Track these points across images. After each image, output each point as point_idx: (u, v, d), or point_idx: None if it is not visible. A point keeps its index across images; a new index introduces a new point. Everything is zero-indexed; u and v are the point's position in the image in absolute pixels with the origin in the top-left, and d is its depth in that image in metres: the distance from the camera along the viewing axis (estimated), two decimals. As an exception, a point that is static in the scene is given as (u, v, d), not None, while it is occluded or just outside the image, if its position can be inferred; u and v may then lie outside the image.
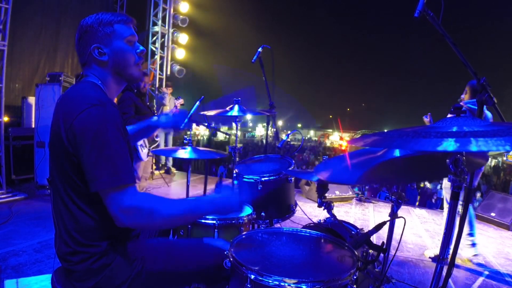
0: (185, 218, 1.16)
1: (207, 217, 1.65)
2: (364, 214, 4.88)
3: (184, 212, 1.13)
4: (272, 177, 2.16)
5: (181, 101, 5.09)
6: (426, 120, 3.49)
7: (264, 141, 2.86)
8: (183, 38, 7.60)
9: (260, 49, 2.81)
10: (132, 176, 1.07)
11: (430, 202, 10.63)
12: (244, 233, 1.46)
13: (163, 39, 7.46)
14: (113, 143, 1.04)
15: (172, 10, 7.48)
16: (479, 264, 3.24)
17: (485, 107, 1.50)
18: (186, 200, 1.17)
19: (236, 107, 2.42)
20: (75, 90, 1.16)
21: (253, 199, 1.36)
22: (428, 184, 11.82)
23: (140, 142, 3.88)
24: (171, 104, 6.27)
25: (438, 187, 11.29)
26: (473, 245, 3.24)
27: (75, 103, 1.08)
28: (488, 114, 3.03)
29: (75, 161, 1.07)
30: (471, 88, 3.08)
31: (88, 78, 1.20)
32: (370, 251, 1.42)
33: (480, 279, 2.92)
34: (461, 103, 2.97)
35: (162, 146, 6.32)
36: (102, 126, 1.03)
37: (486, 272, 3.07)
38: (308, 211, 4.66)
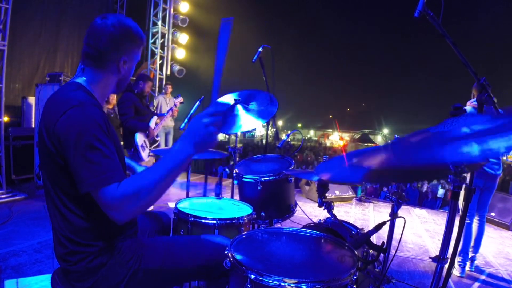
0: (171, 176, 1.05)
1: (207, 217, 1.65)
2: (364, 214, 4.88)
3: (168, 170, 1.04)
4: (272, 177, 2.16)
5: (180, 99, 5.10)
6: None
7: (264, 141, 2.85)
8: (183, 38, 7.60)
9: (260, 49, 2.81)
10: (120, 172, 1.04)
11: (426, 201, 10.62)
12: (244, 233, 1.46)
13: (163, 39, 7.46)
14: (95, 143, 1.02)
15: (172, 10, 7.48)
16: (479, 264, 3.24)
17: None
18: (163, 160, 1.07)
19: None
20: (58, 93, 1.16)
21: (220, 110, 1.15)
22: (427, 184, 11.79)
23: (141, 143, 3.88)
24: (170, 103, 6.27)
25: (439, 186, 11.26)
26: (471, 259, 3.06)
27: (56, 106, 1.08)
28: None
29: (62, 164, 1.06)
30: (476, 89, 3.00)
31: (75, 79, 1.19)
32: (370, 251, 1.42)
33: (480, 279, 2.92)
34: (468, 105, 2.93)
35: (162, 146, 6.32)
36: (83, 126, 1.02)
37: (486, 272, 3.07)
38: (308, 211, 4.66)
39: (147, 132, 4.01)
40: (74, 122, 1.03)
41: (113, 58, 1.18)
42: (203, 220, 1.65)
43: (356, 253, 1.29)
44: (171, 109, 4.91)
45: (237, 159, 2.56)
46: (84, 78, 1.19)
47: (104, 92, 1.25)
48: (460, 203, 2.48)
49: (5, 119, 4.61)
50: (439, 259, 1.11)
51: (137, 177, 1.04)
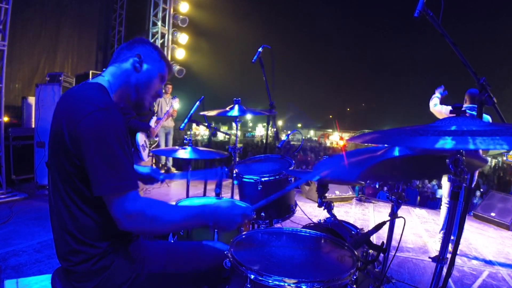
0: (186, 225, 1.20)
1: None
2: (364, 214, 4.88)
3: (185, 219, 1.15)
4: (272, 177, 2.16)
5: (176, 100, 5.13)
6: (437, 92, 3.63)
7: (264, 141, 2.85)
8: (183, 38, 7.60)
9: (260, 49, 2.81)
10: (135, 181, 1.09)
11: (430, 202, 10.63)
12: (244, 233, 1.46)
13: (163, 39, 7.46)
14: (117, 149, 1.04)
15: (172, 10, 7.48)
16: (479, 264, 3.25)
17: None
18: (189, 207, 1.19)
19: (236, 107, 2.42)
20: (81, 90, 1.16)
21: (257, 207, 1.40)
22: (428, 184, 11.81)
23: (142, 143, 3.88)
24: (170, 103, 6.28)
25: (436, 187, 11.28)
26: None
27: (80, 104, 1.08)
28: (486, 117, 3.11)
29: (77, 163, 1.06)
30: (469, 96, 3.32)
31: (98, 80, 1.21)
32: (370, 251, 1.42)
33: (480, 279, 2.92)
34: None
35: (162, 146, 6.32)
36: (107, 130, 1.04)
37: (486, 272, 3.07)
38: (308, 211, 4.66)
39: (148, 131, 4.02)
40: (99, 124, 1.03)
41: (129, 53, 1.26)
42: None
43: (356, 253, 1.29)
44: (167, 112, 4.94)
45: (237, 159, 2.56)
46: (106, 78, 1.23)
47: (122, 94, 1.26)
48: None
49: (5, 119, 4.60)
50: (439, 259, 1.11)
51: (162, 207, 1.13)
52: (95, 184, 1.04)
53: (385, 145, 1.28)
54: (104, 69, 1.30)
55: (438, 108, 3.49)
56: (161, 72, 1.31)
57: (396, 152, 1.31)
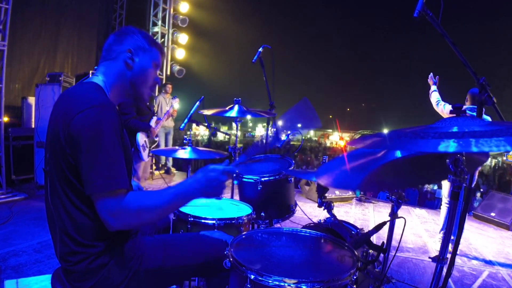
0: (174, 206, 1.15)
1: (207, 217, 1.65)
2: (364, 214, 4.88)
3: (171, 200, 1.13)
4: (272, 177, 2.16)
5: (176, 100, 5.13)
6: (430, 81, 3.68)
7: (264, 141, 2.85)
8: (183, 38, 7.60)
9: (260, 49, 2.81)
10: (125, 179, 1.07)
11: (428, 201, 10.61)
12: (244, 233, 1.46)
13: (163, 39, 7.46)
14: (109, 147, 1.03)
15: (172, 10, 7.48)
16: (479, 265, 3.25)
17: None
18: (171, 188, 1.15)
19: (236, 107, 2.42)
20: (77, 90, 1.16)
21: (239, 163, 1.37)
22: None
23: (142, 143, 3.88)
24: (170, 103, 6.29)
25: (435, 187, 11.25)
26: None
27: (75, 103, 1.08)
28: (487, 118, 3.13)
29: (72, 162, 1.06)
30: (471, 96, 3.31)
31: (93, 79, 1.20)
32: (370, 251, 1.42)
33: (480, 279, 2.92)
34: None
35: (162, 146, 6.32)
36: (99, 128, 1.03)
37: (486, 272, 3.08)
38: (308, 211, 4.66)
39: (148, 132, 4.02)
40: (91, 121, 1.03)
41: (119, 49, 1.22)
42: (202, 220, 1.65)
43: (356, 253, 1.29)
44: (167, 112, 4.94)
45: (237, 159, 2.56)
46: (100, 78, 1.21)
47: (119, 91, 1.25)
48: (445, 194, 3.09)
49: (5, 119, 4.60)
50: (439, 259, 1.11)
51: (144, 196, 1.11)
52: (85, 183, 1.03)
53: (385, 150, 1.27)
54: (96, 67, 1.27)
55: (440, 108, 3.48)
56: (155, 60, 1.28)
57: (398, 153, 1.31)
